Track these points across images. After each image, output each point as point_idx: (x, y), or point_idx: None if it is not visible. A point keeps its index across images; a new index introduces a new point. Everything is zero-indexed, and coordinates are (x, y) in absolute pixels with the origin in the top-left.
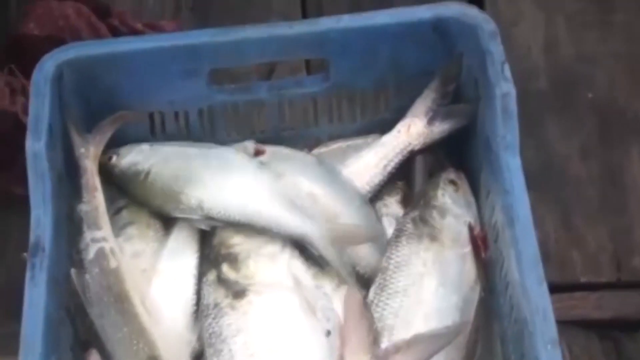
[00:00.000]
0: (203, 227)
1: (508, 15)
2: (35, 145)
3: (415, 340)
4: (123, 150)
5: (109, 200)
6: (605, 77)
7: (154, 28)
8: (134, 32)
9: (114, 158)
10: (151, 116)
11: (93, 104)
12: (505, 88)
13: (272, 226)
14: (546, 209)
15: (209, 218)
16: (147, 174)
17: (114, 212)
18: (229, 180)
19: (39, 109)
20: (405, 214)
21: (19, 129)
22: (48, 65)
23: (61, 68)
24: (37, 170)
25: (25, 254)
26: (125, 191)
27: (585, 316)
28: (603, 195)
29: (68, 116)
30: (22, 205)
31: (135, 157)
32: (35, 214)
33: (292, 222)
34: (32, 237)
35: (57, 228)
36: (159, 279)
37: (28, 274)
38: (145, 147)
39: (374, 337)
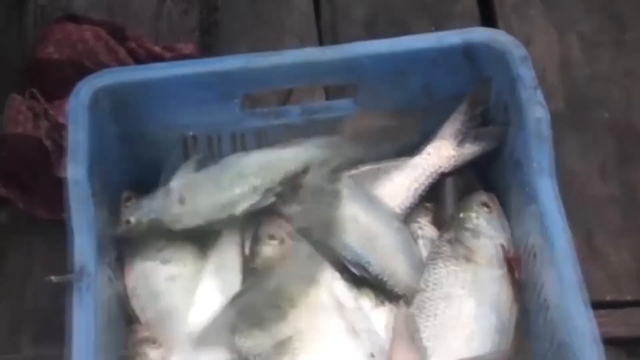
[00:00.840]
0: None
1: (521, 35)
2: (77, 172)
3: None
4: (132, 208)
5: None
6: (621, 95)
7: (172, 51)
8: (153, 55)
9: (132, 219)
10: (184, 141)
11: (127, 128)
12: (539, 113)
13: None
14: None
15: (268, 190)
16: (182, 200)
17: None
18: None
19: (78, 135)
20: (440, 235)
21: (42, 153)
22: (84, 91)
23: (97, 94)
24: (79, 197)
25: (51, 277)
26: (158, 234)
27: (612, 334)
28: (624, 213)
29: None
30: (45, 228)
31: (150, 203)
32: (80, 241)
33: None
34: (77, 263)
35: (100, 252)
36: (201, 299)
37: (75, 299)
38: (151, 196)
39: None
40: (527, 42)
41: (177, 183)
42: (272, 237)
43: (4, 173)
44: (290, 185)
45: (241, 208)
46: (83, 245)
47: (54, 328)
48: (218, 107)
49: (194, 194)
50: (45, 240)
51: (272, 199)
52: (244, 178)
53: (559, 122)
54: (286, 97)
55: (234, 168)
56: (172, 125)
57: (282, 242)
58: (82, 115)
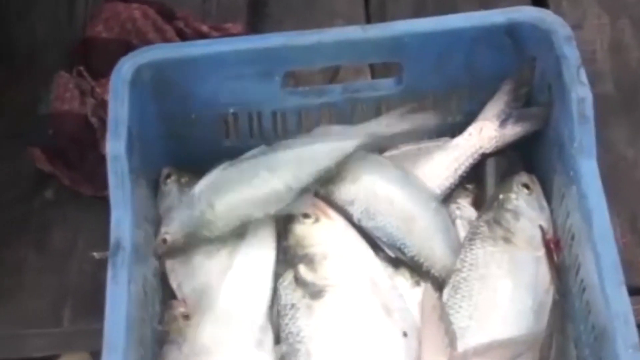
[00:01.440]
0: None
1: (572, 18)
2: (116, 148)
3: (493, 346)
4: (166, 223)
5: None
6: None
7: (220, 30)
8: (200, 35)
9: (168, 237)
10: (225, 119)
11: (168, 105)
12: (581, 92)
13: None
14: (614, 213)
15: (304, 190)
16: (211, 205)
17: None
18: None
19: (118, 111)
20: (479, 216)
21: (89, 130)
22: (125, 68)
23: (138, 71)
24: (118, 172)
25: (94, 253)
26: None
27: None
28: None
29: None
30: (90, 204)
31: (181, 215)
32: (116, 215)
33: None
34: (112, 237)
35: (136, 228)
36: (236, 276)
37: (110, 273)
38: (178, 207)
39: (451, 339)
40: (578, 26)
41: (203, 186)
42: (306, 215)
43: (50, 150)
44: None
45: (277, 207)
46: (119, 220)
47: (95, 303)
48: (259, 85)
49: (223, 195)
50: (89, 217)
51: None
52: (275, 174)
53: (608, 105)
54: (332, 78)
55: (265, 165)
56: (213, 103)
57: (316, 220)
58: (124, 91)
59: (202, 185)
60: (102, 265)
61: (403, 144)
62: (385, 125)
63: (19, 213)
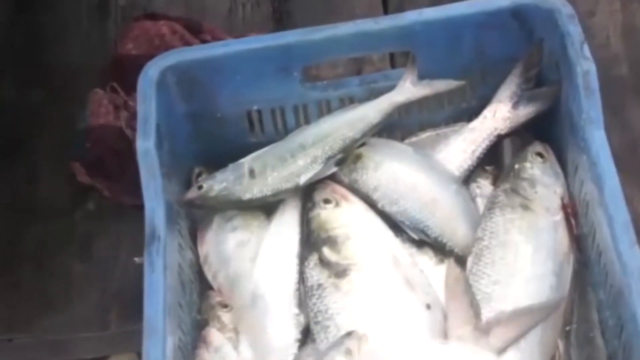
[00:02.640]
0: (329, 173)
1: (585, 6)
2: (145, 144)
3: (516, 313)
4: (205, 178)
5: None
6: None
7: None
8: None
9: (205, 185)
10: (249, 116)
11: (194, 103)
12: (585, 66)
13: None
14: (634, 189)
15: (329, 158)
16: (252, 171)
17: None
18: None
19: (147, 111)
20: (497, 187)
21: (124, 142)
22: (152, 71)
23: (164, 73)
24: (148, 167)
25: (136, 259)
26: (227, 205)
27: None
28: None
29: None
30: (131, 214)
31: (223, 174)
32: (149, 207)
33: None
34: (147, 229)
35: (168, 219)
36: (264, 259)
37: (146, 261)
38: (223, 170)
39: (475, 310)
40: (591, 12)
41: (249, 157)
42: (327, 200)
43: (89, 163)
44: (350, 152)
45: (305, 178)
46: (153, 211)
47: (139, 306)
48: (279, 81)
49: (262, 166)
50: (130, 226)
51: (333, 168)
52: (304, 149)
53: (623, 87)
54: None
55: (295, 141)
56: (236, 101)
57: (336, 205)
58: (150, 92)
59: (249, 156)
60: (143, 270)
61: (421, 131)
62: (405, 93)
63: (63, 225)
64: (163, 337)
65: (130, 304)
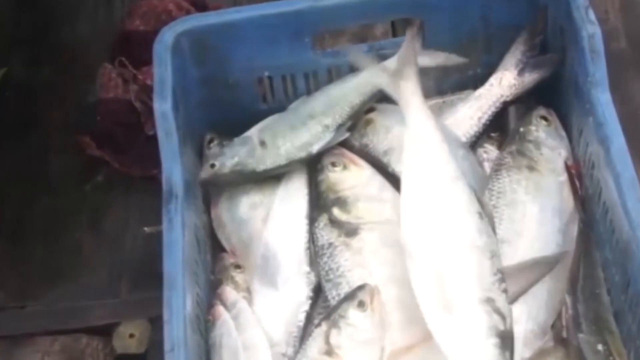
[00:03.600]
0: (341, 139)
1: None
2: (163, 106)
3: (522, 265)
4: (214, 153)
5: None
6: None
7: None
8: None
9: (217, 163)
10: (260, 82)
11: (208, 69)
12: (591, 29)
13: None
14: (635, 159)
15: (340, 126)
16: (263, 143)
17: None
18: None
19: (162, 74)
20: (502, 149)
21: (133, 114)
22: (167, 36)
23: (178, 38)
24: (165, 128)
25: (145, 228)
26: (241, 179)
27: None
28: None
29: None
30: (140, 185)
31: (232, 148)
32: (167, 166)
33: None
34: (165, 187)
35: (185, 179)
36: (274, 221)
37: (164, 219)
38: (231, 143)
39: None
40: None
41: (255, 129)
42: (334, 164)
43: (99, 136)
44: (360, 118)
45: (317, 146)
46: (170, 170)
47: (148, 274)
48: (290, 48)
49: (273, 136)
50: (139, 196)
51: (345, 134)
52: (314, 118)
53: (622, 61)
54: None
55: (303, 110)
56: (248, 67)
57: (344, 167)
58: (166, 57)
59: (255, 129)
60: (153, 239)
61: (428, 98)
62: None
63: (73, 198)
64: (183, 289)
65: (140, 273)
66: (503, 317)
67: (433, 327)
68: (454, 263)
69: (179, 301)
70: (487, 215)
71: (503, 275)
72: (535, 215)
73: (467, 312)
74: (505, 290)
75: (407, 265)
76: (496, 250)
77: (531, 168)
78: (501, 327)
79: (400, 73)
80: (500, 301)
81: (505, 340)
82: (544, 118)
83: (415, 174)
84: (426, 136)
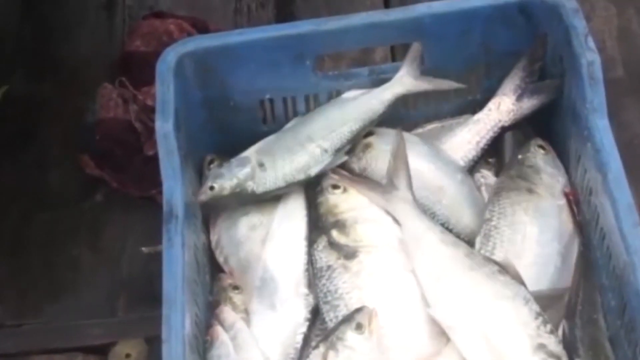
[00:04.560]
0: (339, 162)
1: (582, 11)
2: (164, 126)
3: None
4: (213, 175)
5: None
6: None
7: None
8: None
9: (216, 185)
10: (262, 104)
11: (209, 90)
12: (590, 57)
13: None
14: (632, 187)
15: (338, 150)
16: (262, 165)
17: None
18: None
19: (165, 94)
20: (501, 174)
21: (133, 135)
22: (170, 56)
23: (181, 59)
24: (167, 148)
25: (143, 249)
26: (239, 200)
27: None
28: None
29: None
30: (139, 205)
31: (230, 169)
32: (168, 186)
33: None
34: (165, 207)
35: (185, 200)
36: (273, 242)
37: (164, 238)
38: (228, 165)
39: None
40: (587, 18)
41: (252, 150)
42: (335, 187)
43: (98, 155)
44: (358, 141)
45: (316, 169)
46: (171, 191)
47: (145, 294)
48: (292, 70)
49: (271, 158)
50: (137, 217)
51: (344, 158)
52: (313, 142)
53: (619, 89)
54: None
55: (302, 132)
56: (250, 89)
57: (344, 190)
58: (168, 77)
59: (252, 149)
60: (151, 259)
61: (428, 123)
62: (408, 83)
63: (71, 215)
64: (182, 309)
65: (138, 293)
66: (558, 358)
67: None
68: (493, 320)
69: (178, 320)
70: (506, 269)
71: (545, 316)
72: (535, 237)
73: None
74: (552, 331)
75: (452, 338)
76: (529, 297)
77: (531, 191)
78: None
79: (392, 184)
80: (552, 344)
81: None
82: (542, 147)
83: (428, 268)
84: (425, 232)
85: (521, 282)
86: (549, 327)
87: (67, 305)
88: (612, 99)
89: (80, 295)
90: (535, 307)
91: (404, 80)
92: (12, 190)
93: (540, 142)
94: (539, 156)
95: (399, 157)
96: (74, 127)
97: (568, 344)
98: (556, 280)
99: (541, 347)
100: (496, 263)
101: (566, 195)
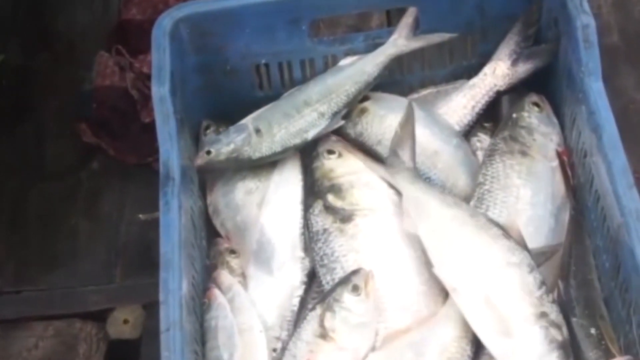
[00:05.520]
0: (336, 127)
1: None
2: (160, 90)
3: None
4: (210, 140)
5: None
6: None
7: None
8: None
9: (212, 150)
10: (257, 69)
11: (205, 55)
12: (585, 20)
13: None
14: (627, 151)
15: (335, 114)
16: (258, 130)
17: None
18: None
19: (161, 59)
20: (495, 135)
21: (129, 102)
22: (165, 21)
23: (177, 24)
24: (163, 112)
25: (141, 216)
26: (236, 166)
27: None
28: None
29: None
30: (136, 173)
31: (228, 135)
32: (164, 149)
33: None
34: (162, 170)
35: (182, 164)
36: (269, 207)
37: (161, 201)
38: (226, 131)
39: None
40: None
41: (250, 117)
42: (330, 151)
43: (95, 123)
44: (355, 106)
45: (312, 133)
46: (167, 153)
47: (143, 261)
48: (288, 35)
49: (268, 124)
50: (134, 184)
51: (340, 122)
52: (310, 106)
53: (615, 55)
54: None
55: (298, 98)
56: (246, 54)
57: (339, 155)
58: (164, 42)
59: (250, 117)
60: (148, 226)
61: (423, 88)
62: (401, 44)
63: (69, 184)
64: (179, 271)
65: (135, 259)
66: (559, 327)
67: (496, 353)
68: (498, 285)
69: (175, 282)
70: (509, 232)
71: (547, 285)
72: (528, 199)
73: (525, 332)
74: (554, 301)
75: (456, 301)
76: (533, 265)
77: (524, 153)
78: (559, 338)
79: (396, 154)
80: (553, 313)
81: (566, 349)
82: (536, 104)
83: (432, 229)
84: (428, 196)
85: (525, 247)
86: (551, 296)
87: (65, 272)
88: (607, 65)
89: (79, 263)
90: (539, 276)
91: (398, 42)
92: (9, 161)
93: (534, 98)
94: (533, 114)
95: (406, 129)
96: (70, 97)
97: (563, 304)
98: (550, 241)
99: (543, 315)
100: (500, 227)
101: (559, 155)
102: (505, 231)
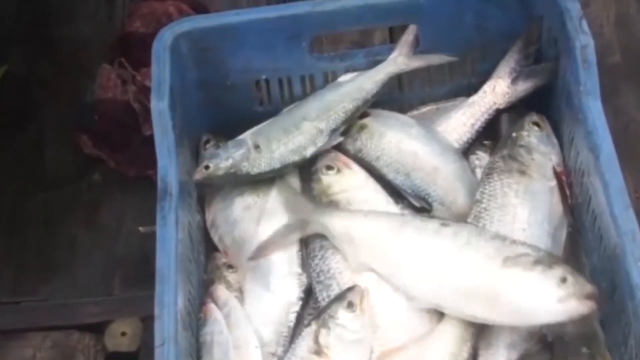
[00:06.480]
0: (334, 143)
1: None
2: (159, 105)
3: None
4: (209, 154)
5: None
6: None
7: None
8: None
9: (211, 165)
10: (258, 85)
11: (206, 70)
12: (584, 40)
13: None
14: (627, 171)
15: (334, 130)
16: (257, 146)
17: None
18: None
19: (161, 73)
20: (494, 153)
21: (131, 115)
22: (166, 36)
23: (177, 38)
24: (162, 126)
25: (141, 228)
26: (234, 181)
27: None
28: None
29: None
30: (136, 185)
31: (226, 150)
32: (162, 164)
33: None
34: (160, 184)
35: (180, 178)
36: (267, 222)
37: (158, 216)
38: (225, 146)
39: None
40: (586, 3)
41: (249, 133)
42: (329, 167)
43: (96, 135)
44: (354, 123)
45: (311, 150)
46: (165, 168)
47: (142, 274)
48: (288, 51)
49: (267, 140)
50: (134, 196)
51: (339, 139)
52: (308, 122)
53: (616, 74)
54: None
55: (298, 114)
56: (246, 69)
57: (338, 171)
58: (164, 56)
59: (249, 132)
60: (147, 239)
61: (422, 105)
62: (401, 62)
63: (69, 194)
64: (175, 285)
65: (134, 272)
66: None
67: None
68: (460, 271)
69: (171, 297)
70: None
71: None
72: (525, 218)
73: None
74: (514, 242)
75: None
76: (478, 230)
77: (522, 172)
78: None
79: None
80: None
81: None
82: (536, 124)
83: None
84: (353, 221)
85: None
86: (508, 240)
87: (63, 283)
88: (609, 84)
89: (77, 274)
90: (489, 232)
91: (398, 60)
92: (10, 169)
93: (535, 118)
94: (533, 134)
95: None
96: (72, 107)
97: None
98: None
99: (507, 259)
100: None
101: (557, 175)
102: (441, 218)
